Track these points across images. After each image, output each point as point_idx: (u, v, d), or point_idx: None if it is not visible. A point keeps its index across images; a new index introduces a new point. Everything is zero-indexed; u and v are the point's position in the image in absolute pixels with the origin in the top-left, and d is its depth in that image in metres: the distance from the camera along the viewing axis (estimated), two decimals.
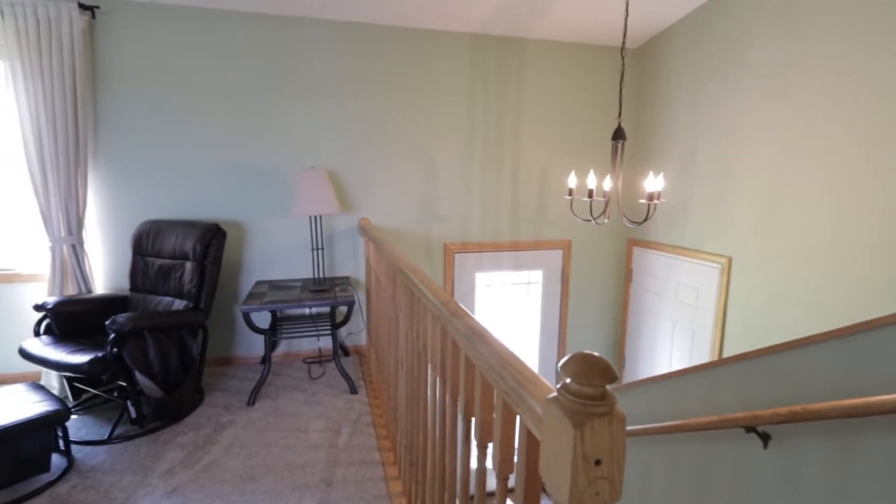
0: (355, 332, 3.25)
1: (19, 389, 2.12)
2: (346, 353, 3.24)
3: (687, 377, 2.22)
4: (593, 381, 0.63)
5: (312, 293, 2.68)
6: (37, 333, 2.44)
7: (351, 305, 2.61)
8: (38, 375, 2.82)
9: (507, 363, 0.87)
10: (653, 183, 2.17)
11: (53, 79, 2.60)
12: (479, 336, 1.01)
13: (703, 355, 2.98)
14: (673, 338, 3.23)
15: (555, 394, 0.67)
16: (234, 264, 3.03)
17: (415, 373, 1.69)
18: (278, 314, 2.94)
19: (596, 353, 0.65)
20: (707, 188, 2.95)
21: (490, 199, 3.38)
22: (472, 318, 1.13)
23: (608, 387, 0.65)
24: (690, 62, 3.03)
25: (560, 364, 0.67)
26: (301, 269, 3.12)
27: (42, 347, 2.28)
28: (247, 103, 2.92)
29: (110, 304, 2.64)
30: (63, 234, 2.66)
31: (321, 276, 2.91)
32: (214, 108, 2.89)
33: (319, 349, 3.18)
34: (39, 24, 2.58)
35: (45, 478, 1.97)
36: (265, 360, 3.09)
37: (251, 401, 2.55)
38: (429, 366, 1.52)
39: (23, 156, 2.62)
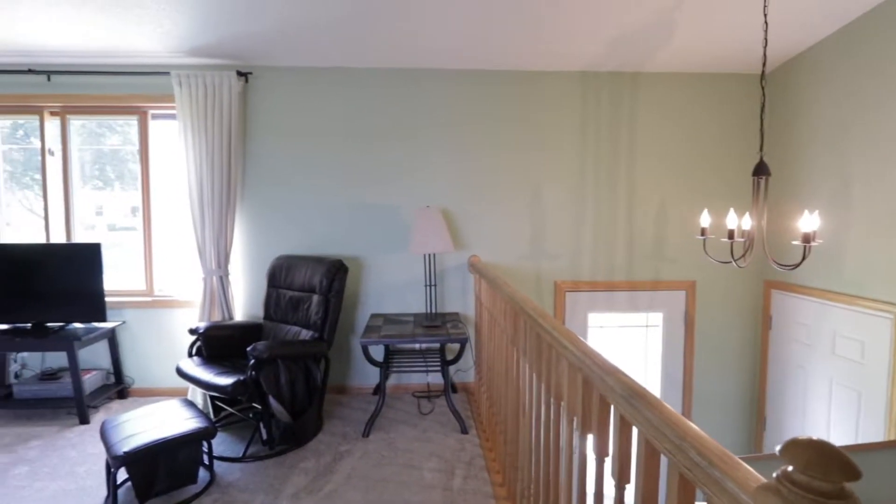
0: (464, 370, 3.24)
1: (174, 405, 2.39)
2: (454, 390, 3.23)
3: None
4: (831, 476, 0.53)
5: (425, 329, 2.73)
6: (190, 354, 2.77)
7: (464, 343, 2.60)
8: (186, 390, 3.19)
9: (687, 434, 0.77)
10: (808, 222, 1.91)
11: (213, 134, 3.04)
12: (640, 397, 0.93)
13: (877, 422, 2.49)
14: (831, 399, 2.76)
15: (771, 482, 0.58)
16: (351, 297, 3.22)
17: (543, 422, 1.61)
18: (391, 347, 3.03)
19: (829, 442, 0.55)
20: (868, 227, 2.54)
21: (604, 237, 3.24)
22: (627, 376, 1.04)
23: (847, 485, 0.55)
24: (837, 88, 2.68)
25: (780, 448, 0.58)
26: (412, 303, 3.21)
27: (194, 367, 2.57)
28: (368, 148, 3.16)
29: (248, 330, 2.92)
30: (214, 267, 3.04)
31: (433, 311, 2.97)
32: (340, 154, 3.16)
33: (428, 384, 3.21)
34: (206, 90, 3.04)
35: (193, 489, 2.18)
36: (377, 391, 3.19)
37: (366, 432, 2.62)
38: (563, 417, 1.44)
39: (187, 199, 3.07)
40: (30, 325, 2.97)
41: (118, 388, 3.11)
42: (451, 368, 3.24)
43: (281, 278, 2.95)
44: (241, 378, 2.35)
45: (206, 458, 2.32)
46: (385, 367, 2.70)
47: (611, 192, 3.23)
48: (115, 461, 1.96)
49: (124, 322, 3.18)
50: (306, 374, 2.55)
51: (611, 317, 3.30)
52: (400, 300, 3.21)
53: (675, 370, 3.28)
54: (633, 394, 0.96)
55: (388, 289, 3.21)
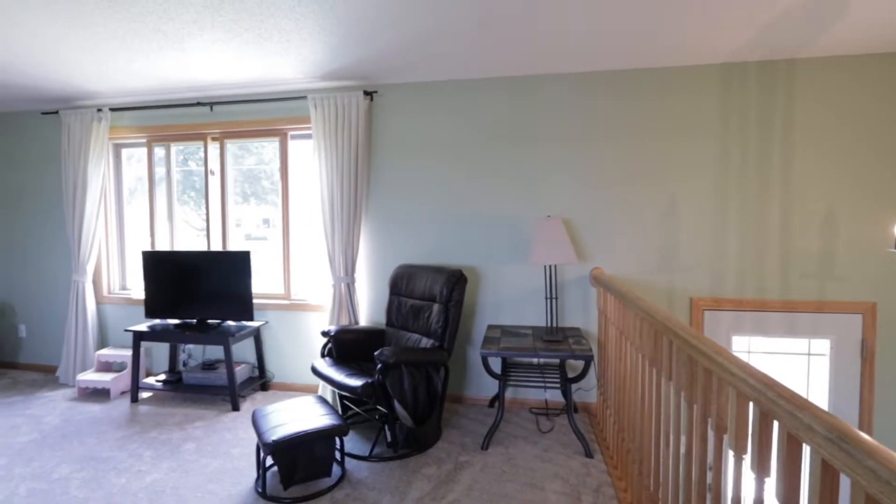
0: (585, 389, 3.07)
1: (311, 401, 2.58)
2: (575, 409, 3.07)
3: None
4: None
5: (546, 343, 2.63)
6: (322, 355, 2.99)
7: (588, 361, 2.46)
8: (317, 387, 3.45)
9: None
10: None
11: (343, 151, 3.27)
12: (855, 441, 0.77)
13: None
14: None
15: None
16: (467, 307, 3.24)
17: (698, 458, 1.43)
18: (508, 360, 2.98)
19: None
20: None
21: (752, 248, 2.87)
22: (829, 414, 0.87)
23: None
24: None
25: None
26: (529, 315, 3.13)
27: (326, 367, 2.77)
28: (486, 158, 3.17)
29: (372, 335, 3.07)
30: (342, 275, 3.26)
31: (553, 325, 2.86)
32: (459, 164, 3.21)
33: (546, 401, 3.10)
34: (337, 110, 3.29)
35: (327, 482, 2.33)
36: (494, 403, 3.15)
37: (485, 444, 2.60)
38: (729, 454, 1.26)
39: (319, 211, 3.34)
40: (195, 321, 3.45)
41: (261, 381, 3.47)
42: (572, 387, 3.09)
43: (402, 287, 3.06)
44: (369, 381, 2.47)
45: (337, 454, 2.47)
46: (504, 379, 2.66)
47: (761, 197, 2.84)
48: (265, 448, 2.16)
49: (267, 322, 3.55)
50: (427, 381, 2.61)
51: (761, 341, 2.89)
52: (516, 312, 3.15)
53: (849, 407, 2.75)
54: (844, 436, 0.79)
55: (505, 300, 3.17)
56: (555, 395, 3.12)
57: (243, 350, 3.60)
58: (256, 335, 3.49)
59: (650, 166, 2.96)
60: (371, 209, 3.38)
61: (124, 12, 2.54)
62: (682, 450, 1.55)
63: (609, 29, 2.55)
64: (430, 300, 2.87)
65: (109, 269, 3.96)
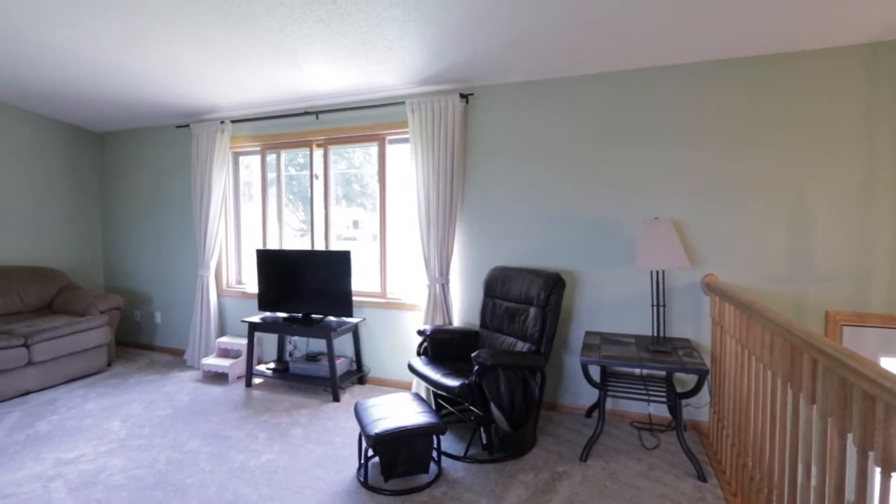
0: (695, 406, 2.84)
1: (408, 397, 2.65)
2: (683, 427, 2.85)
3: None
4: None
5: (652, 353, 2.47)
6: (418, 353, 3.06)
7: (703, 376, 2.26)
8: (410, 384, 3.54)
9: None
10: None
11: (439, 154, 3.33)
12: None
13: None
14: None
15: None
16: (564, 311, 3.14)
17: (856, 497, 1.25)
18: (608, 369, 2.84)
19: None
20: None
21: None
22: None
23: None
24: None
25: None
26: (632, 323, 2.96)
27: (423, 366, 2.83)
28: (586, 158, 3.05)
29: (466, 336, 3.09)
30: (437, 275, 3.32)
31: (659, 335, 2.68)
32: (556, 165, 3.13)
33: (649, 415, 2.91)
34: (434, 114, 3.35)
35: (425, 478, 2.37)
36: (591, 413, 3.02)
37: (584, 456, 2.50)
38: None
39: (415, 213, 3.43)
40: (300, 315, 3.70)
41: (358, 375, 3.64)
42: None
43: (497, 289, 3.05)
44: (466, 382, 2.48)
45: (434, 453, 2.51)
46: (604, 389, 2.53)
47: None
48: (368, 439, 2.25)
49: (364, 319, 3.71)
50: (524, 386, 2.56)
51: None
52: (617, 319, 3.00)
53: None
54: None
55: (604, 306, 3.03)
56: (658, 410, 2.92)
57: (342, 344, 3.80)
58: (355, 331, 3.67)
59: (777, 159, 2.66)
60: (466, 211, 3.40)
61: (246, 32, 2.79)
62: (829, 483, 1.36)
63: (719, 15, 2.33)
64: (527, 303, 2.82)
65: (228, 266, 4.39)
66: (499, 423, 2.47)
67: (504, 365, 2.48)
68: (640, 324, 2.94)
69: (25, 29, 2.83)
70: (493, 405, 2.45)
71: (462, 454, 2.58)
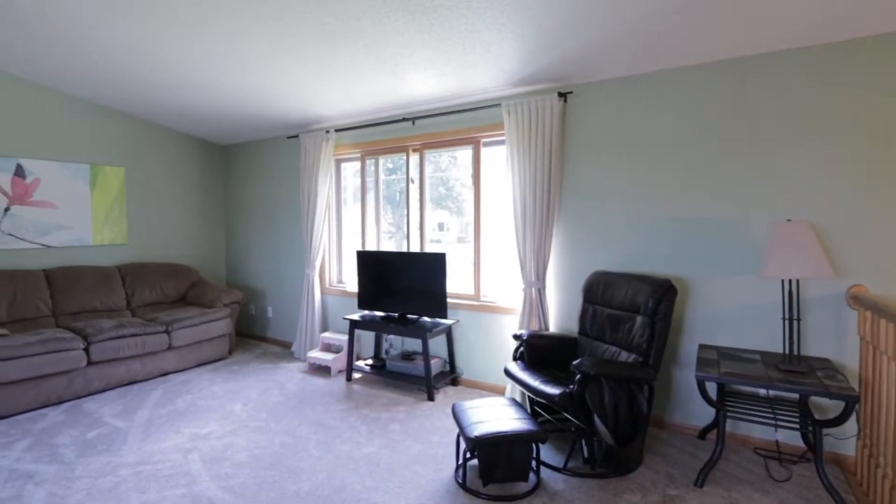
0: (837, 437, 2.46)
1: (505, 402, 2.62)
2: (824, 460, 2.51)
3: None
4: None
5: (784, 373, 2.19)
6: (514, 358, 3.02)
7: (851, 403, 1.96)
8: (503, 389, 3.51)
9: None
10: None
11: (536, 155, 3.25)
12: None
13: None
14: None
15: None
16: (673, 321, 2.91)
17: None
18: (726, 387, 2.58)
19: None
20: None
21: None
22: None
23: None
24: None
25: None
26: (755, 338, 2.66)
27: (519, 371, 2.78)
28: (697, 154, 2.80)
29: (564, 343, 2.99)
30: (533, 279, 3.25)
31: (793, 352, 2.37)
32: (662, 163, 2.91)
33: (777, 443, 2.59)
34: (530, 115, 3.29)
35: (524, 486, 2.32)
36: (705, 435, 2.77)
37: (699, 481, 2.28)
38: None
39: (511, 216, 3.38)
40: (396, 314, 3.84)
41: (452, 376, 3.68)
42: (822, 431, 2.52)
43: (598, 294, 2.91)
44: (566, 390, 2.39)
45: (533, 463, 2.45)
46: (724, 410, 2.30)
47: None
48: (468, 442, 2.26)
49: (458, 321, 3.75)
50: (630, 399, 2.41)
51: None
52: (736, 332, 2.71)
53: None
54: None
55: (721, 317, 2.75)
56: (788, 437, 2.58)
57: (436, 345, 3.87)
58: (448, 332, 3.72)
59: None
60: (563, 213, 3.30)
61: (354, 47, 2.95)
62: None
63: None
64: (632, 311, 2.66)
65: (330, 265, 4.68)
66: (603, 437, 2.34)
67: (609, 375, 2.35)
68: (766, 339, 2.63)
69: (168, 61, 3.25)
70: (596, 417, 2.34)
71: (562, 465, 2.49)
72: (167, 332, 3.95)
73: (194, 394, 3.60)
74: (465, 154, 4.12)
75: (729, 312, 2.73)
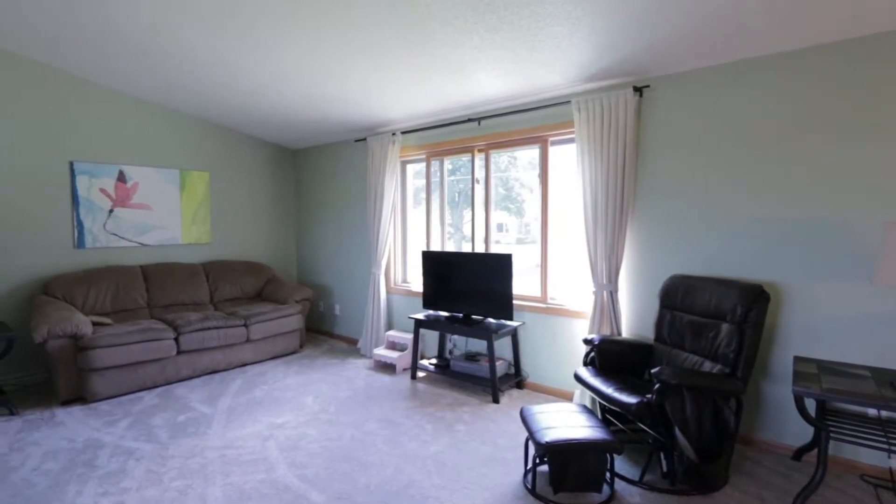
0: None
1: (576, 409, 2.53)
2: None
3: None
4: None
5: None
6: (584, 364, 2.92)
7: None
8: (571, 394, 3.40)
9: None
10: None
11: (608, 153, 3.13)
12: None
13: None
14: None
15: None
16: (764, 330, 2.68)
17: None
18: (827, 405, 2.34)
19: None
20: None
21: None
22: None
23: None
24: None
25: None
26: (864, 352, 2.39)
27: (591, 377, 2.68)
28: (793, 149, 2.56)
29: (638, 349, 2.84)
30: (604, 282, 3.12)
31: None
32: (750, 159, 2.69)
33: (891, 470, 2.31)
34: (602, 111, 3.16)
35: (597, 498, 2.23)
36: (800, 456, 2.52)
37: None
38: None
39: (581, 216, 3.27)
40: (461, 315, 3.84)
41: (517, 379, 3.62)
42: None
43: (677, 300, 2.74)
44: (644, 400, 2.27)
45: (608, 474, 2.35)
46: (825, 430, 2.08)
47: None
48: (538, 447, 2.20)
49: (524, 323, 3.69)
50: (715, 412, 2.24)
51: None
52: (839, 345, 2.45)
53: None
54: None
55: (821, 328, 2.50)
56: None
57: (501, 347, 3.82)
58: (514, 334, 3.66)
59: None
60: (638, 213, 3.14)
61: (422, 49, 2.98)
62: None
63: None
64: (717, 318, 2.48)
65: (395, 265, 4.78)
66: (685, 451, 2.20)
67: (691, 386, 2.20)
68: (877, 354, 2.35)
69: (250, 72, 3.46)
70: (677, 430, 2.20)
71: (637, 478, 2.37)
72: (245, 325, 4.20)
73: (270, 385, 3.80)
74: (525, 154, 4.06)
75: (831, 323, 2.47)
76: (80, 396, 3.45)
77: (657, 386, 2.23)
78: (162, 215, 4.67)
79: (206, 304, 4.64)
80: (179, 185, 4.77)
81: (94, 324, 3.64)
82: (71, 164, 4.08)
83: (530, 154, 3.98)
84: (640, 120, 3.12)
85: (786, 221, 2.59)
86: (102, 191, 4.27)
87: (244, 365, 4.29)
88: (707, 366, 2.46)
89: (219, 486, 2.37)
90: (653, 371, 2.26)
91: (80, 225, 4.16)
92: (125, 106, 4.37)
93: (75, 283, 3.91)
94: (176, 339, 3.79)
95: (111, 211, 4.33)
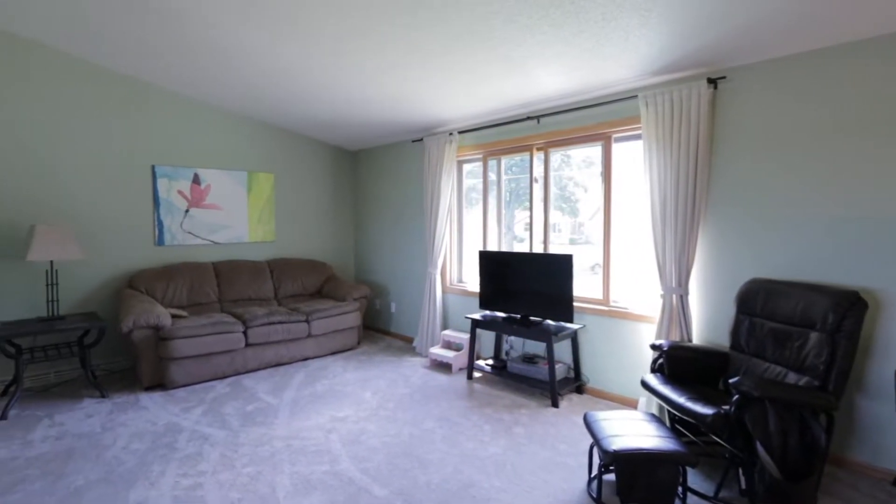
0: None
1: (643, 417, 2.41)
2: None
3: None
4: None
5: None
6: (652, 370, 2.79)
7: None
8: (633, 401, 3.27)
9: None
10: None
11: (679, 150, 2.97)
12: None
13: None
14: None
15: None
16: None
17: None
18: None
19: None
20: None
21: None
22: None
23: None
24: None
25: None
26: None
27: (660, 385, 2.55)
28: (884, 142, 2.31)
29: (711, 357, 2.68)
30: (673, 285, 2.97)
31: None
32: (842, 153, 2.46)
33: None
34: (672, 105, 3.01)
35: None
36: None
37: None
38: None
39: (648, 216, 3.13)
40: (518, 316, 3.78)
41: (576, 383, 3.52)
42: None
43: (757, 305, 2.55)
44: (720, 411, 2.13)
45: (680, 489, 2.23)
46: None
47: None
48: (605, 455, 2.12)
49: (584, 326, 3.58)
50: (802, 428, 2.07)
51: None
52: None
53: None
54: None
55: None
56: None
57: (559, 350, 3.73)
58: (574, 337, 3.56)
59: None
60: (711, 213, 2.96)
61: (482, 47, 2.96)
62: None
63: None
64: (805, 326, 2.28)
65: (450, 265, 4.79)
66: (768, 468, 2.04)
67: (776, 399, 2.04)
68: None
69: (313, 77, 3.58)
70: (759, 445, 2.05)
71: (712, 494, 2.23)
72: (307, 321, 4.36)
73: (330, 379, 3.92)
74: (579, 153, 3.95)
75: None
76: (160, 383, 3.72)
77: (736, 397, 2.08)
78: (231, 215, 4.94)
79: (270, 299, 4.86)
80: (247, 186, 5.03)
81: (173, 316, 3.91)
82: (153, 167, 4.40)
83: (584, 152, 3.86)
84: (715, 113, 2.94)
85: (882, 222, 2.35)
86: (180, 192, 4.58)
87: (306, 359, 4.45)
88: (792, 377, 2.27)
89: (286, 474, 2.46)
90: (731, 381, 2.11)
91: (161, 224, 4.48)
92: (200, 113, 4.66)
93: (156, 278, 4.22)
94: (244, 333, 4.00)
95: (187, 211, 4.63)
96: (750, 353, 2.55)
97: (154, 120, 4.38)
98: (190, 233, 4.67)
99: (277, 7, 2.74)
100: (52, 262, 3.59)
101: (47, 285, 3.68)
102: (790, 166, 2.64)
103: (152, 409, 3.32)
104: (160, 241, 4.48)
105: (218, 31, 3.12)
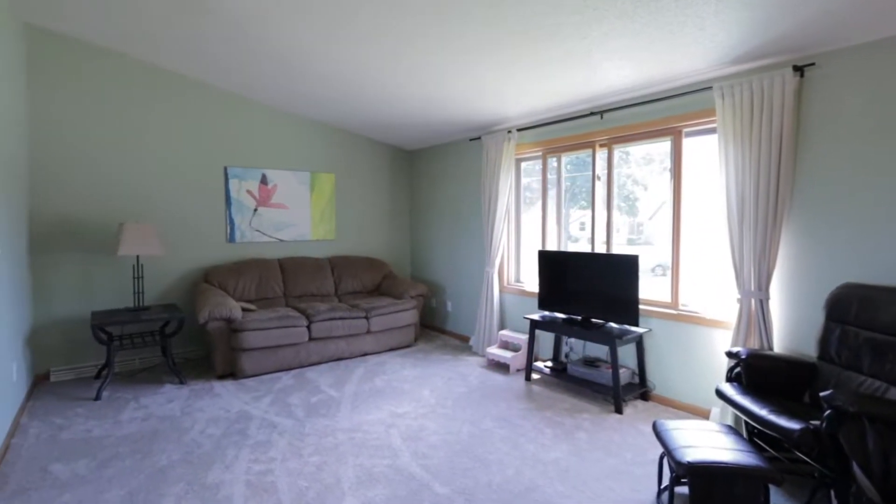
0: None
1: (719, 429, 2.27)
2: None
3: None
4: None
5: None
6: (728, 379, 2.62)
7: None
8: (705, 410, 3.09)
9: None
10: None
11: (760, 143, 2.76)
12: None
13: None
14: None
15: None
16: None
17: None
18: None
19: None
20: None
21: None
22: None
23: None
24: None
25: None
26: None
27: (737, 395, 2.39)
28: None
29: (795, 367, 2.48)
30: (752, 289, 2.77)
31: None
32: None
33: None
34: (752, 96, 2.80)
35: None
36: None
37: None
38: None
39: (724, 215, 2.94)
40: (579, 317, 3.68)
41: (642, 390, 3.38)
42: None
43: (851, 313, 2.33)
44: (810, 426, 1.96)
45: None
46: None
47: None
48: (678, 466, 2.01)
49: (650, 329, 3.43)
50: None
51: None
52: None
53: None
54: None
55: None
56: None
57: (623, 354, 3.59)
58: (639, 341, 3.42)
59: None
60: (795, 212, 2.74)
61: (543, 41, 2.89)
62: None
63: None
64: None
65: (508, 264, 4.74)
66: (866, 491, 1.86)
67: (876, 416, 1.85)
68: None
69: (373, 79, 3.66)
70: (855, 465, 1.87)
71: None
72: (366, 317, 4.48)
73: (389, 375, 4.00)
74: (639, 149, 3.78)
75: None
76: (231, 372, 3.95)
77: (828, 412, 1.91)
78: (295, 214, 5.15)
79: (331, 295, 5.03)
80: (310, 186, 5.23)
81: (243, 309, 4.13)
82: (225, 168, 4.67)
83: (645, 149, 3.69)
84: (801, 103, 2.71)
85: None
86: (249, 192, 4.83)
87: (364, 354, 4.57)
88: (893, 393, 2.06)
89: (350, 465, 2.54)
90: (822, 395, 1.94)
91: (232, 222, 4.75)
92: (267, 116, 4.90)
93: (228, 274, 4.48)
94: (308, 327, 4.16)
95: (255, 210, 4.88)
96: (842, 364, 2.33)
97: (226, 123, 4.65)
98: (258, 230, 4.91)
99: (335, 10, 2.81)
100: (137, 256, 3.91)
101: (134, 278, 4.01)
102: (891, 160, 2.39)
103: (225, 396, 3.52)
104: (231, 238, 4.75)
105: (284, 39, 3.26)
